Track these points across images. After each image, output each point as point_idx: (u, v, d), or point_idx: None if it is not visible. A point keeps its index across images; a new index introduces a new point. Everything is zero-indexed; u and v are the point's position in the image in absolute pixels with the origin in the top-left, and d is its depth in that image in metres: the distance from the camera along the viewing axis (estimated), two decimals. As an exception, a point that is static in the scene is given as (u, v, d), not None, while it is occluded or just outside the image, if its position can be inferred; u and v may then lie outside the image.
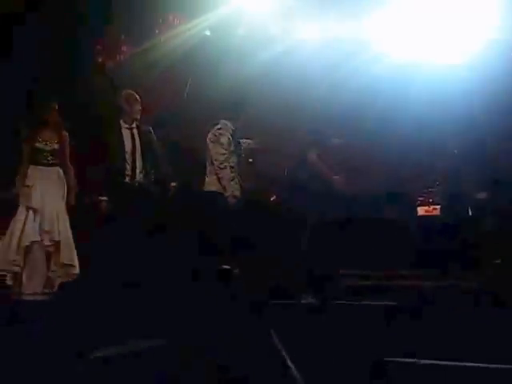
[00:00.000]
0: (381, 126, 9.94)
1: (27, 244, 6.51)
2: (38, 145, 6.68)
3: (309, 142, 7.33)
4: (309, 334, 4.74)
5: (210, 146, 6.78)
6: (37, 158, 6.69)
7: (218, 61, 10.04)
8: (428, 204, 9.03)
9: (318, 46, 10.50)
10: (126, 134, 6.77)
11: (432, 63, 9.94)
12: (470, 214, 8.13)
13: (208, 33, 10.38)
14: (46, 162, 6.71)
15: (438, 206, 8.60)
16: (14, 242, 6.49)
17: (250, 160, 10.22)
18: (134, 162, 6.70)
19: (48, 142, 6.71)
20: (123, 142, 6.72)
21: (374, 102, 9.84)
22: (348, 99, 9.75)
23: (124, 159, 6.67)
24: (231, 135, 6.80)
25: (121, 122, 6.80)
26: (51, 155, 6.72)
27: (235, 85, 9.75)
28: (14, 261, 6.49)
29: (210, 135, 6.85)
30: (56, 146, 6.74)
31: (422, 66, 9.92)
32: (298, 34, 10.57)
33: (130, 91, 6.94)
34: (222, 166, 6.64)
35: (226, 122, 6.83)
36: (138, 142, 6.78)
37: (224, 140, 6.72)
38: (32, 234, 6.54)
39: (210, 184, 6.75)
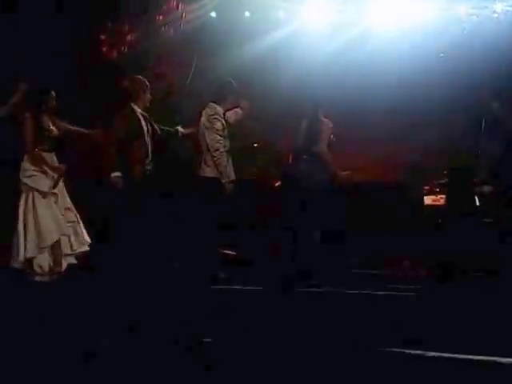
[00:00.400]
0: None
1: (66, 233, 6.72)
2: (44, 131, 6.80)
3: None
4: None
5: (206, 132, 6.72)
6: (44, 144, 6.81)
7: (223, 43, 10.03)
8: (435, 193, 9.02)
9: (324, 28, 10.38)
10: (141, 118, 6.73)
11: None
12: None
13: (214, 14, 10.30)
14: (50, 147, 6.88)
15: (444, 196, 8.59)
16: (47, 229, 6.64)
17: (256, 144, 10.26)
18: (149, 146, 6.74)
19: (52, 127, 6.86)
20: (142, 126, 6.67)
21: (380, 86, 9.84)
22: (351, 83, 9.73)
23: (144, 143, 6.64)
24: (223, 119, 6.76)
25: (134, 106, 6.73)
26: (52, 141, 6.89)
27: (236, 68, 9.73)
28: (44, 248, 6.65)
29: (203, 121, 6.78)
30: (57, 132, 6.90)
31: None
32: (304, 17, 10.45)
33: (142, 78, 6.87)
34: (218, 153, 6.61)
35: (216, 105, 6.77)
36: (150, 127, 6.75)
37: (218, 125, 6.69)
38: (64, 222, 6.74)
39: (207, 170, 6.72)
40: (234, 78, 7.01)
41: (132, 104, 6.69)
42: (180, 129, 6.97)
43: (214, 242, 6.77)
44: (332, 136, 6.73)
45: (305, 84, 8.82)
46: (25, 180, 6.73)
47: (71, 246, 6.79)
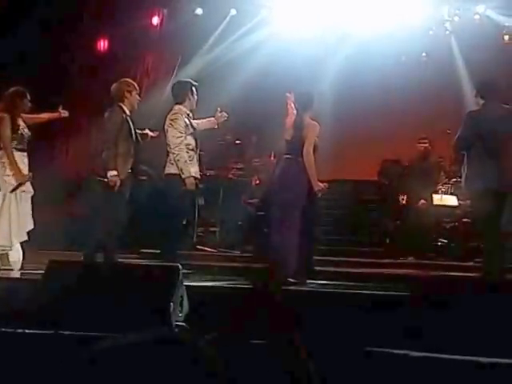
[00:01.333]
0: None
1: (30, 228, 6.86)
2: (19, 132, 6.81)
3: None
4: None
5: (168, 130, 6.79)
6: (18, 144, 6.83)
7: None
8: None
9: (308, 29, 10.46)
10: (129, 120, 6.75)
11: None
12: None
13: (200, 12, 10.33)
14: (24, 147, 6.89)
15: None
16: (24, 226, 6.78)
17: (238, 141, 10.31)
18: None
19: (25, 128, 6.87)
20: (131, 126, 6.70)
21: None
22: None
23: (132, 142, 6.68)
24: (187, 118, 6.82)
25: (123, 107, 6.75)
26: (25, 141, 6.89)
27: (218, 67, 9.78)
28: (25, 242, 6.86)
29: (166, 122, 6.85)
30: (29, 133, 6.91)
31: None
32: (289, 17, 10.52)
33: (131, 80, 6.88)
34: (177, 149, 6.66)
35: (180, 106, 6.83)
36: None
37: (180, 123, 6.71)
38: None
39: (171, 167, 6.79)
40: (197, 80, 7.06)
41: (121, 104, 6.72)
42: (149, 132, 7.02)
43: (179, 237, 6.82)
44: (317, 138, 6.70)
45: (290, 84, 8.86)
46: (5, 178, 6.75)
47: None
